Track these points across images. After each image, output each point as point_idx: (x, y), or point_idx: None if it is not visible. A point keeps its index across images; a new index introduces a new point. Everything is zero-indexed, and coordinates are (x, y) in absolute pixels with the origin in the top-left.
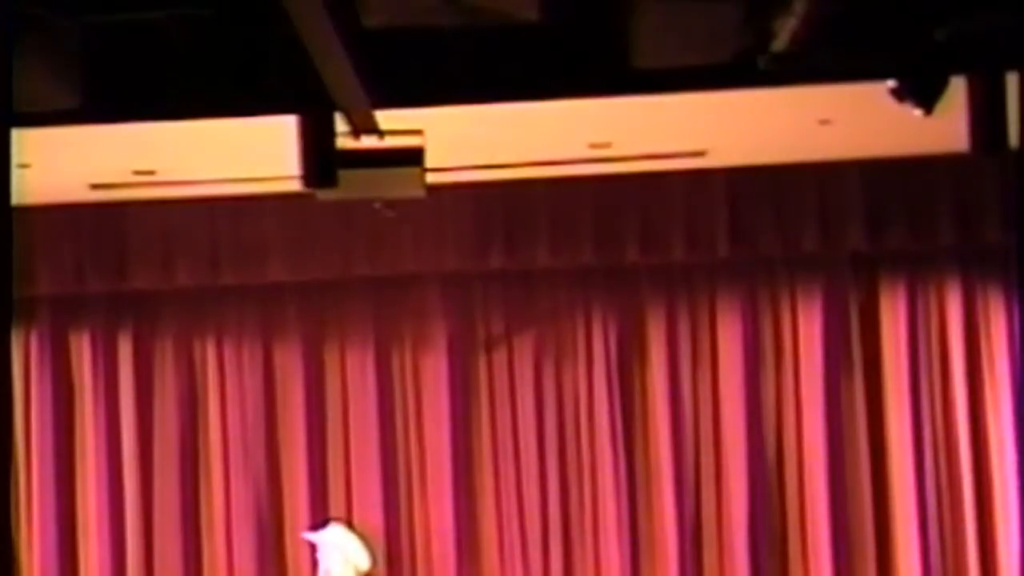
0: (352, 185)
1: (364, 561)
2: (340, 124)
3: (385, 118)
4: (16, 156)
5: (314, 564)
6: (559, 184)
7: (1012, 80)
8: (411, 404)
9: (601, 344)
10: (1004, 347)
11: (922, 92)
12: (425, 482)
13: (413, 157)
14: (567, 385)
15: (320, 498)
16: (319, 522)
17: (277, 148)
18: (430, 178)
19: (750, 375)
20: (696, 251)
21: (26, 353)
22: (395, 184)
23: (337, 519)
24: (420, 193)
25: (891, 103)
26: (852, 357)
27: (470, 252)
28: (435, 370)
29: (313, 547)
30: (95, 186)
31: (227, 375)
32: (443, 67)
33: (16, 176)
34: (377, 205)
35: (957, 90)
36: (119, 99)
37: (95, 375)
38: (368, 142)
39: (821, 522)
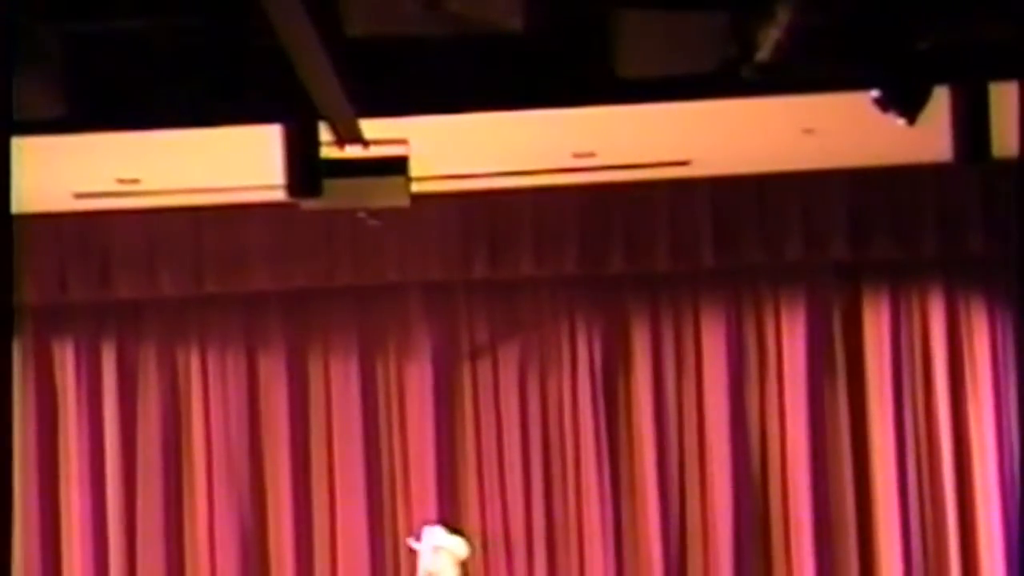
0: (336, 194)
1: (464, 551)
2: (324, 133)
3: (369, 127)
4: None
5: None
6: (543, 193)
7: (995, 90)
8: (395, 413)
9: (585, 353)
10: (987, 356)
11: (905, 102)
12: (409, 490)
13: (397, 166)
14: (551, 394)
15: (304, 506)
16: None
17: (261, 157)
18: (414, 187)
19: (734, 383)
20: (680, 260)
21: None
22: (379, 193)
23: (429, 522)
24: (404, 202)
25: (875, 112)
26: (835, 365)
27: (454, 261)
28: (419, 379)
29: (298, 554)
30: (79, 195)
31: (211, 384)
32: (427, 76)
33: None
34: (361, 214)
35: (940, 100)
36: (103, 108)
37: (79, 384)
38: (352, 151)
39: (805, 528)
